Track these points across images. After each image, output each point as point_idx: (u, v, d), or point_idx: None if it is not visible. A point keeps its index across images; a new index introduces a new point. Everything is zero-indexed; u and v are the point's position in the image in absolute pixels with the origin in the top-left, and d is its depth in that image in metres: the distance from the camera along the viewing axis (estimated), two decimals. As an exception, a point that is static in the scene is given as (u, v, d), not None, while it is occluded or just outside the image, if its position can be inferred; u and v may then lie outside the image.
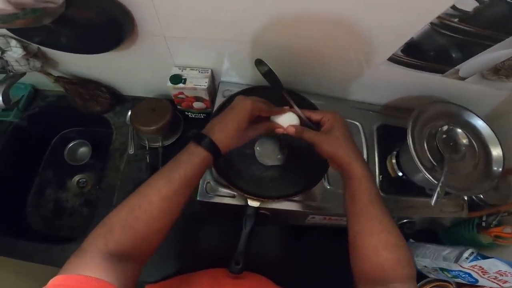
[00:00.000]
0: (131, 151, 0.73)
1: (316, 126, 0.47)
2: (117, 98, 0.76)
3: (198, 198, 0.57)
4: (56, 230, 0.78)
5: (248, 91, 0.62)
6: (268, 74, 0.47)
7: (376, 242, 0.39)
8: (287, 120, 0.46)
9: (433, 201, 0.50)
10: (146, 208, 0.35)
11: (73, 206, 0.82)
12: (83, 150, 0.87)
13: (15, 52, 0.50)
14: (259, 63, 0.47)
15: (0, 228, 0.67)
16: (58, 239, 0.74)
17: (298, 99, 0.60)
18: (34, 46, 0.52)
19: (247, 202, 0.54)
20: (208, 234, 0.68)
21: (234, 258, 0.51)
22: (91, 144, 0.85)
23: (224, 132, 0.40)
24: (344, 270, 0.42)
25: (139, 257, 0.35)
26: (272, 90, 0.47)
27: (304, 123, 0.47)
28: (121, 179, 0.71)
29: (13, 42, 0.49)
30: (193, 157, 0.38)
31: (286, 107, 0.47)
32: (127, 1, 0.44)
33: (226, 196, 0.57)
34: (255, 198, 0.54)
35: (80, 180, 0.86)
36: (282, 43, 0.54)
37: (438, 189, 0.50)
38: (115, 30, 0.45)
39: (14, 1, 0.28)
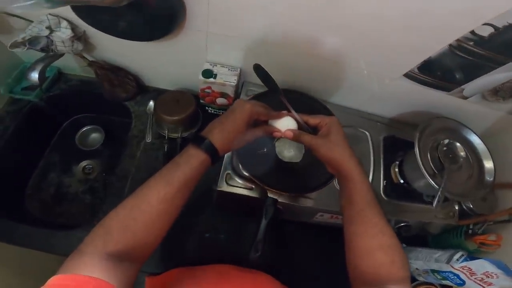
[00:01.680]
0: (148, 139, 0.75)
1: (313, 130, 0.48)
2: (140, 88, 0.78)
3: (217, 188, 0.59)
4: (54, 216, 0.76)
5: (273, 93, 0.67)
6: (266, 78, 0.48)
7: (371, 244, 0.39)
8: (285, 124, 0.47)
9: (435, 204, 0.56)
10: (144, 210, 0.35)
11: (75, 192, 0.81)
12: (95, 136, 0.87)
13: (63, 33, 0.52)
14: (257, 68, 0.47)
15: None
16: (56, 226, 0.72)
17: (313, 103, 0.66)
18: (81, 29, 0.55)
19: (266, 193, 0.58)
20: (215, 230, 0.69)
21: (254, 246, 0.53)
22: (104, 131, 0.86)
23: (223, 134, 0.40)
24: (341, 271, 0.43)
25: (138, 258, 0.35)
26: (273, 94, 0.48)
27: (302, 127, 0.47)
28: (136, 166, 0.72)
29: (64, 23, 0.51)
30: (192, 159, 0.38)
31: (284, 112, 0.48)
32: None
33: (244, 188, 0.60)
34: (274, 190, 0.57)
35: (87, 166, 0.85)
36: (302, 50, 0.58)
37: (439, 193, 0.56)
38: (170, 20, 0.48)
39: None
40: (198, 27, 0.55)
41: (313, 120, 0.47)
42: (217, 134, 0.40)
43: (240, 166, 0.59)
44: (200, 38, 0.58)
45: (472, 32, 0.44)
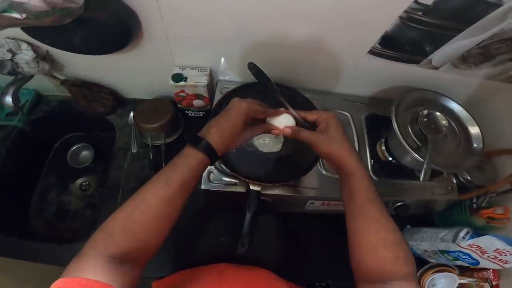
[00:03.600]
0: (134, 150, 0.76)
1: (311, 126, 0.47)
2: (118, 101, 0.79)
3: (202, 187, 0.60)
4: (60, 232, 0.79)
5: (247, 87, 0.67)
6: (262, 78, 0.48)
7: (374, 241, 0.39)
8: (283, 121, 0.47)
9: (422, 178, 0.55)
10: (144, 211, 0.35)
11: (76, 209, 0.83)
12: (85, 153, 0.89)
13: (25, 55, 0.53)
14: (252, 67, 0.47)
15: (4, 231, 0.67)
16: (62, 241, 0.75)
17: (294, 95, 0.66)
18: (43, 49, 0.56)
19: (249, 187, 0.58)
20: (213, 230, 0.70)
21: (240, 240, 0.54)
22: (93, 148, 0.87)
23: (220, 134, 0.40)
24: (345, 260, 0.43)
25: (139, 260, 0.36)
26: (266, 92, 0.48)
27: (300, 123, 0.47)
28: (125, 177, 0.73)
29: (24, 45, 0.53)
30: (189, 159, 0.38)
31: (282, 109, 0.48)
32: (134, 4, 0.48)
33: (228, 184, 0.61)
34: (256, 183, 0.58)
35: (83, 183, 0.88)
36: (274, 41, 0.58)
37: (425, 166, 0.55)
38: (124, 31, 0.49)
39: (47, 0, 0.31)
40: (157, 33, 0.55)
41: (311, 116, 0.47)
42: (214, 134, 0.40)
43: (221, 163, 0.59)
44: (162, 44, 0.59)
45: (416, 2, 0.44)
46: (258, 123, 0.47)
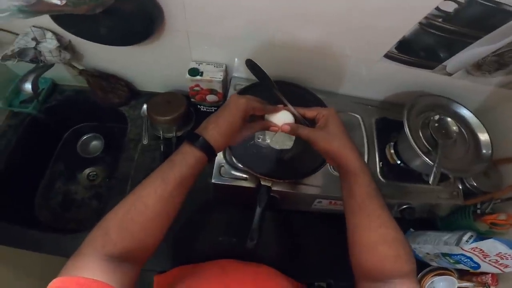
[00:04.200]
0: (145, 141, 0.77)
1: (311, 123, 0.47)
2: (133, 93, 0.80)
3: (212, 181, 0.60)
4: (64, 222, 0.79)
5: (261, 85, 0.67)
6: (259, 73, 0.48)
7: (374, 238, 0.38)
8: (281, 118, 0.46)
9: (431, 181, 0.55)
10: (141, 210, 0.34)
11: (82, 199, 0.84)
12: (96, 143, 0.89)
13: (49, 44, 0.54)
14: (250, 64, 0.47)
15: (8, 219, 0.67)
16: (66, 231, 0.74)
17: (303, 93, 0.67)
18: (66, 39, 0.57)
19: (260, 182, 0.59)
20: (217, 225, 0.70)
21: (249, 234, 0.54)
22: (103, 138, 0.88)
23: (218, 131, 0.39)
24: (346, 259, 0.42)
25: (137, 258, 0.35)
26: (266, 88, 0.48)
27: (299, 120, 0.47)
28: (135, 168, 0.74)
29: (49, 34, 0.54)
30: (187, 157, 0.37)
31: (280, 106, 0.47)
32: (161, -3, 0.50)
33: (238, 179, 0.61)
34: (267, 178, 0.58)
35: (91, 173, 0.88)
36: (288, 43, 0.59)
37: (435, 169, 0.56)
38: (148, 23, 0.50)
39: (84, -11, 0.32)
40: (178, 27, 0.56)
41: (310, 112, 0.46)
42: (211, 131, 0.39)
43: (233, 157, 0.60)
44: (181, 38, 0.60)
45: (438, 9, 0.45)
46: (257, 120, 0.46)
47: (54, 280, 0.29)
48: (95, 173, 0.89)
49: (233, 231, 0.69)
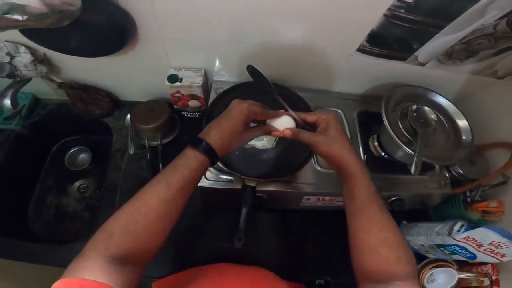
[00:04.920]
0: (131, 151, 0.77)
1: (311, 127, 0.48)
2: (115, 103, 0.80)
3: (199, 185, 0.61)
4: (59, 234, 0.79)
5: (241, 87, 0.68)
6: (261, 79, 0.48)
7: (375, 241, 0.39)
8: (283, 123, 0.47)
9: (413, 170, 0.56)
10: (145, 212, 0.35)
11: (74, 211, 0.84)
12: (83, 156, 0.89)
13: (24, 58, 0.54)
14: (251, 70, 0.48)
15: (3, 233, 0.68)
16: (61, 242, 0.75)
17: (287, 93, 0.67)
18: (41, 52, 0.57)
19: (244, 183, 0.59)
20: (211, 229, 0.71)
21: (236, 235, 0.55)
22: (90, 151, 0.88)
23: (221, 136, 0.40)
24: (343, 256, 0.43)
25: (140, 261, 0.36)
26: (259, 91, 0.49)
27: (300, 125, 0.48)
28: (123, 177, 0.74)
29: (22, 48, 0.54)
30: (190, 161, 0.38)
31: (282, 111, 0.48)
32: (130, 7, 0.50)
33: (224, 181, 0.62)
34: (251, 179, 0.59)
35: (81, 186, 0.88)
36: (266, 43, 0.60)
37: (415, 158, 0.56)
38: (120, 34, 0.50)
39: (47, 2, 0.33)
40: (152, 36, 0.57)
41: (310, 117, 0.47)
42: (214, 135, 0.40)
43: (216, 160, 0.60)
44: (157, 46, 0.60)
45: None
46: (258, 125, 0.47)
47: (57, 282, 0.29)
48: (85, 185, 0.89)
49: (227, 234, 0.69)
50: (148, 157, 0.75)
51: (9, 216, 0.75)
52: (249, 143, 0.61)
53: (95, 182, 0.89)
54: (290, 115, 0.48)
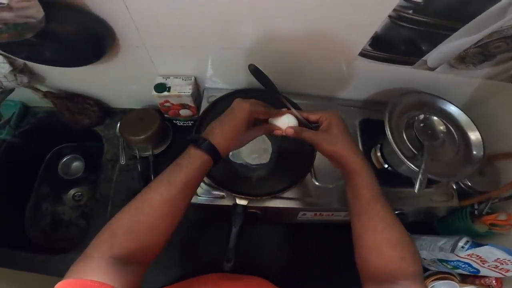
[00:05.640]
0: (122, 161, 0.74)
1: (314, 126, 0.47)
2: (106, 111, 0.77)
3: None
4: (55, 242, 0.79)
5: (235, 94, 0.64)
6: (263, 79, 0.47)
7: (380, 240, 0.38)
8: (285, 121, 0.46)
9: (416, 189, 0.52)
10: (148, 212, 0.35)
11: (70, 219, 0.84)
12: (77, 164, 0.88)
13: (2, 68, 0.52)
14: (253, 68, 0.47)
15: (0, 242, 0.68)
16: (58, 250, 0.75)
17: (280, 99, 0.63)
18: (20, 61, 0.55)
19: (235, 201, 0.56)
20: (209, 240, 0.69)
21: (225, 256, 0.52)
22: (83, 158, 0.87)
23: (223, 135, 0.40)
24: (341, 269, 0.41)
25: (143, 261, 0.36)
26: (268, 93, 0.48)
27: (302, 124, 0.47)
28: (114, 189, 0.72)
29: (0, 58, 0.51)
30: (193, 160, 0.38)
31: (284, 109, 0.48)
32: (103, 14, 0.46)
33: (216, 198, 0.59)
34: (242, 196, 0.55)
35: (76, 194, 0.87)
36: (265, 45, 0.55)
37: (420, 176, 0.52)
38: (96, 43, 0.47)
39: (-3, 17, 0.30)
40: (134, 43, 0.53)
41: (313, 116, 0.47)
42: (217, 135, 0.40)
43: (207, 176, 0.57)
44: (141, 53, 0.56)
45: None
46: (261, 124, 0.46)
47: (60, 283, 0.29)
48: (80, 193, 0.88)
49: (222, 245, 0.67)
50: (139, 169, 0.72)
51: (5, 224, 0.74)
52: (242, 158, 0.59)
53: (90, 190, 0.88)
54: (292, 113, 0.47)
